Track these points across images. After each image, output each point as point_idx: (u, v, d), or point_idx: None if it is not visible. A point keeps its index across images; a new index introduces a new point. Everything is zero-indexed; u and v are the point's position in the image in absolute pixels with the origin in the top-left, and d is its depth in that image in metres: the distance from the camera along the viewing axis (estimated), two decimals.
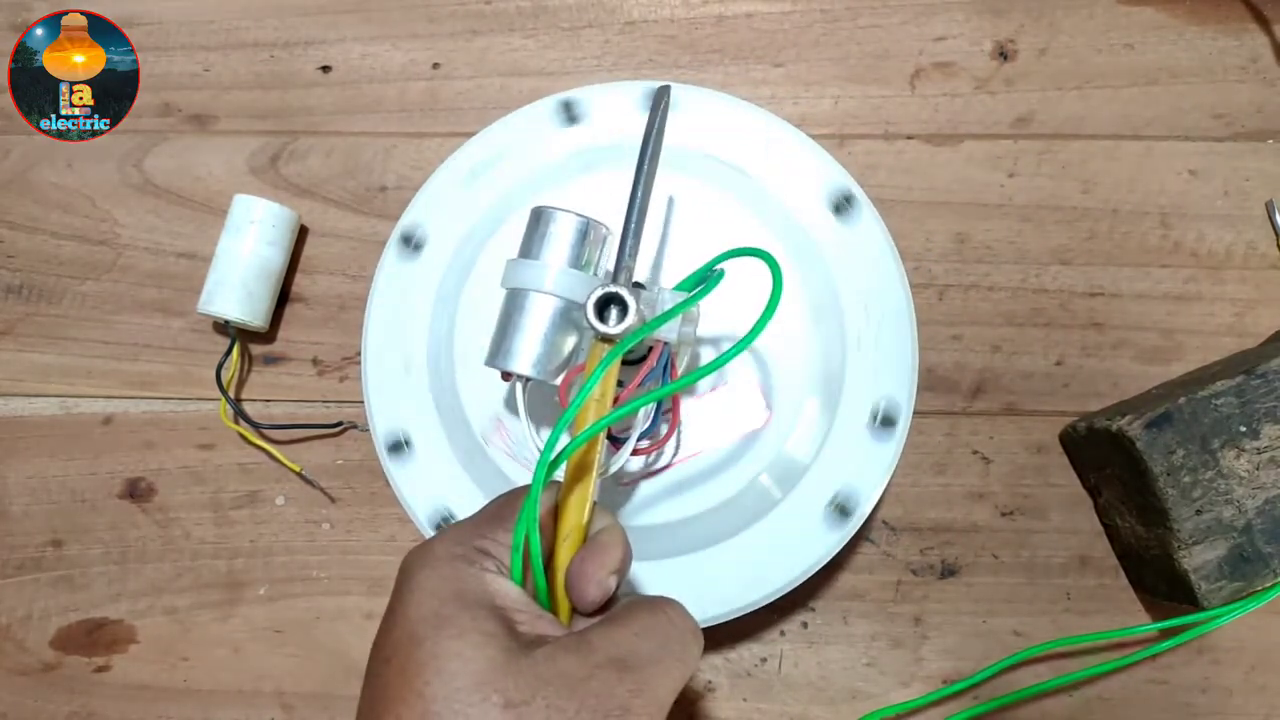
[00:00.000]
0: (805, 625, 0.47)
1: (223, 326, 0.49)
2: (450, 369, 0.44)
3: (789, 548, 0.42)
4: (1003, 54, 0.50)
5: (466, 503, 0.43)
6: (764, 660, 0.47)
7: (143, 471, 0.49)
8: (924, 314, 0.48)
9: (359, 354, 0.49)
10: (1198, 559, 0.41)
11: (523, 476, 0.43)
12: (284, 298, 0.50)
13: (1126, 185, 0.49)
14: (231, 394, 0.48)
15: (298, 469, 0.48)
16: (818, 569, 0.42)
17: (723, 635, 0.47)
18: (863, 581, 0.47)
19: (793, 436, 0.42)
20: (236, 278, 0.47)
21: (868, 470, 0.42)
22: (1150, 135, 0.49)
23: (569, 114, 0.45)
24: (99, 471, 0.49)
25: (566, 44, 0.51)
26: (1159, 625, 0.45)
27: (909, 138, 0.50)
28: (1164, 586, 0.43)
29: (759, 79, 0.50)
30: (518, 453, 0.43)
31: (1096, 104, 0.50)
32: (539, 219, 0.36)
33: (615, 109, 0.45)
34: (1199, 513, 0.41)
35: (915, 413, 0.47)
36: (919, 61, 0.50)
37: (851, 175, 0.45)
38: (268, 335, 0.50)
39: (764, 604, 0.42)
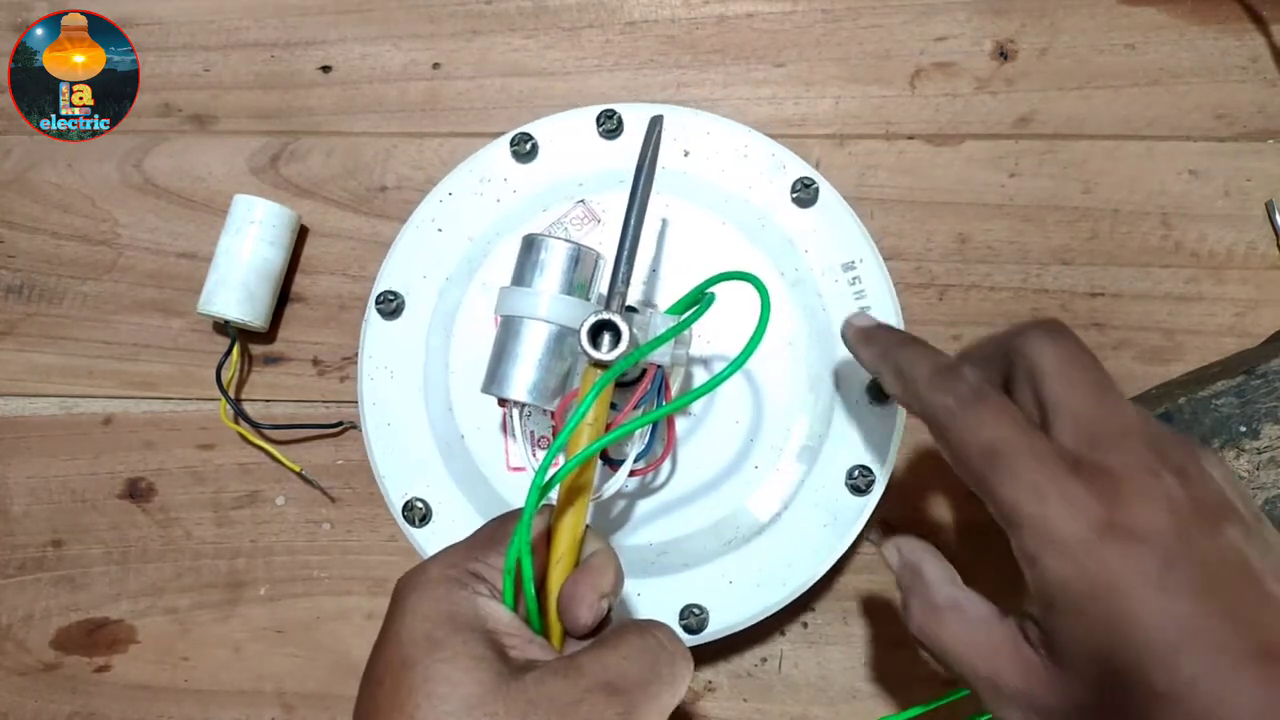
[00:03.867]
0: (805, 625, 0.47)
1: (223, 326, 0.49)
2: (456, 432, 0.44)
3: (784, 565, 0.42)
4: (1003, 54, 0.50)
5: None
6: (764, 660, 0.47)
7: (143, 471, 0.49)
8: (924, 314, 0.48)
9: (359, 356, 0.49)
10: None
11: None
12: (284, 298, 0.50)
13: (1127, 185, 0.49)
14: (232, 394, 0.48)
15: (298, 469, 0.48)
16: (809, 586, 0.42)
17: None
18: (863, 582, 0.47)
19: (783, 457, 0.43)
20: (237, 278, 0.47)
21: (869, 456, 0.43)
22: (1151, 135, 0.49)
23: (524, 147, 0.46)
24: (99, 471, 0.49)
25: (567, 44, 0.51)
26: None
27: (909, 138, 0.50)
28: None
29: (760, 79, 0.50)
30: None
31: (1097, 104, 0.50)
32: (531, 246, 0.36)
33: (569, 140, 0.46)
34: None
35: None
36: (919, 61, 0.50)
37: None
38: (268, 335, 0.50)
39: (761, 619, 0.42)
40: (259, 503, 0.49)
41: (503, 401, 0.36)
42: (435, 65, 0.52)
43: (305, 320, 0.50)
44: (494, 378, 0.36)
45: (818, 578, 0.42)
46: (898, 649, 0.46)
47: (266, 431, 0.48)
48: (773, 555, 0.42)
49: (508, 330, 0.36)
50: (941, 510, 0.47)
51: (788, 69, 0.51)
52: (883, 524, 0.47)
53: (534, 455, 0.42)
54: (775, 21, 0.51)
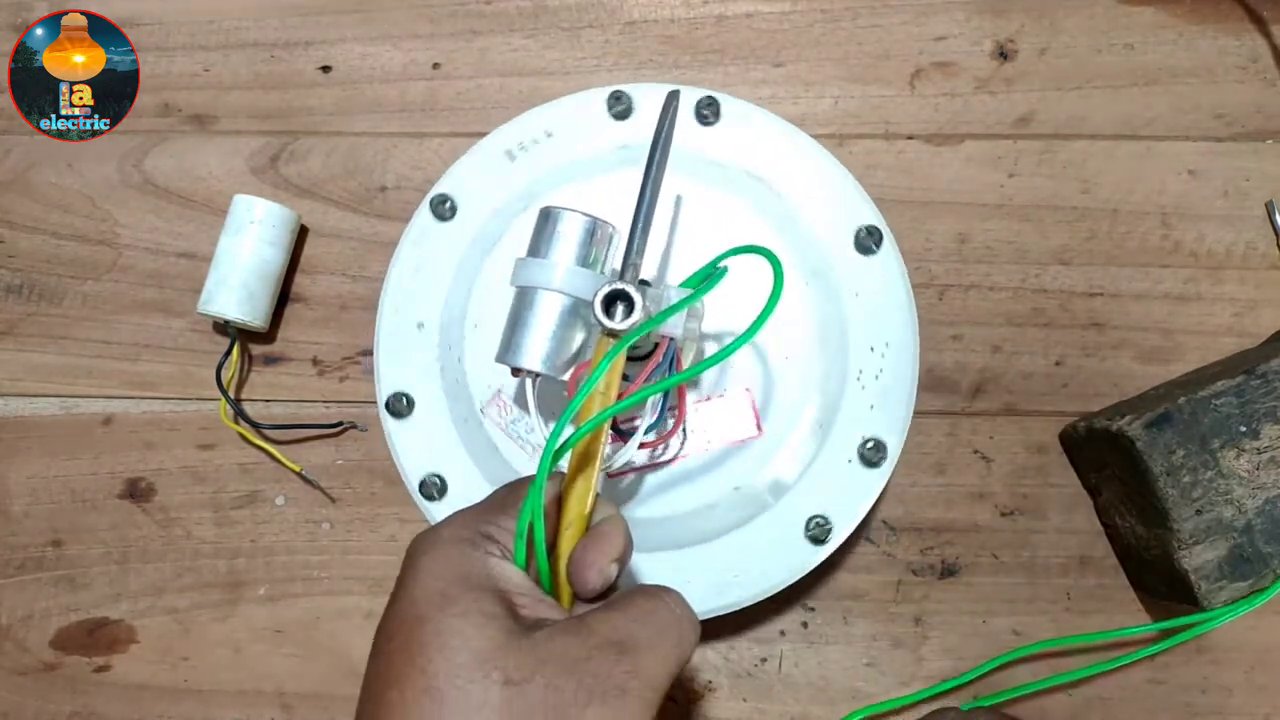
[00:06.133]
0: (805, 625, 0.47)
1: (223, 326, 0.49)
2: (460, 338, 0.44)
3: (771, 554, 0.42)
4: (1003, 54, 0.50)
5: (458, 470, 0.44)
6: (764, 660, 0.47)
7: (143, 471, 0.49)
8: (924, 314, 0.48)
9: (360, 354, 0.49)
10: (1198, 559, 0.41)
11: (514, 452, 0.44)
12: (284, 298, 0.50)
13: (1127, 185, 0.49)
14: (232, 394, 0.48)
15: (298, 469, 0.48)
16: (795, 580, 0.42)
17: (723, 635, 0.47)
18: (863, 581, 0.47)
19: (781, 452, 0.43)
20: (236, 278, 0.47)
21: (848, 499, 0.42)
22: (1150, 135, 0.49)
23: (619, 107, 0.46)
24: (99, 471, 0.49)
25: (566, 44, 0.51)
26: (1159, 625, 0.45)
27: (909, 138, 0.50)
28: (1164, 586, 0.43)
29: (759, 79, 0.50)
30: (510, 428, 0.44)
31: (1097, 104, 0.50)
32: (547, 219, 0.36)
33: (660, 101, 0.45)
34: (1199, 513, 0.41)
35: (916, 413, 0.48)
36: (919, 61, 0.50)
37: (872, 199, 0.45)
38: (268, 335, 0.50)
39: (752, 603, 0.42)
40: (259, 503, 0.49)
41: (516, 371, 0.37)
42: (435, 65, 0.52)
43: (305, 320, 0.50)
44: (508, 347, 0.36)
45: (829, 553, 0.42)
46: (897, 649, 0.46)
47: (266, 431, 0.48)
48: (783, 533, 0.42)
49: (522, 300, 0.36)
50: (940, 510, 0.47)
51: (787, 69, 0.51)
52: (884, 525, 0.47)
53: (546, 427, 0.42)
54: (774, 21, 0.51)
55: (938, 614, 0.47)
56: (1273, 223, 0.48)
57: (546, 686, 0.26)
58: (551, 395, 0.42)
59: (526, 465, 0.43)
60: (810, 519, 0.42)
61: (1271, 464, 0.41)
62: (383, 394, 0.44)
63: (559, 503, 0.32)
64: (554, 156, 0.45)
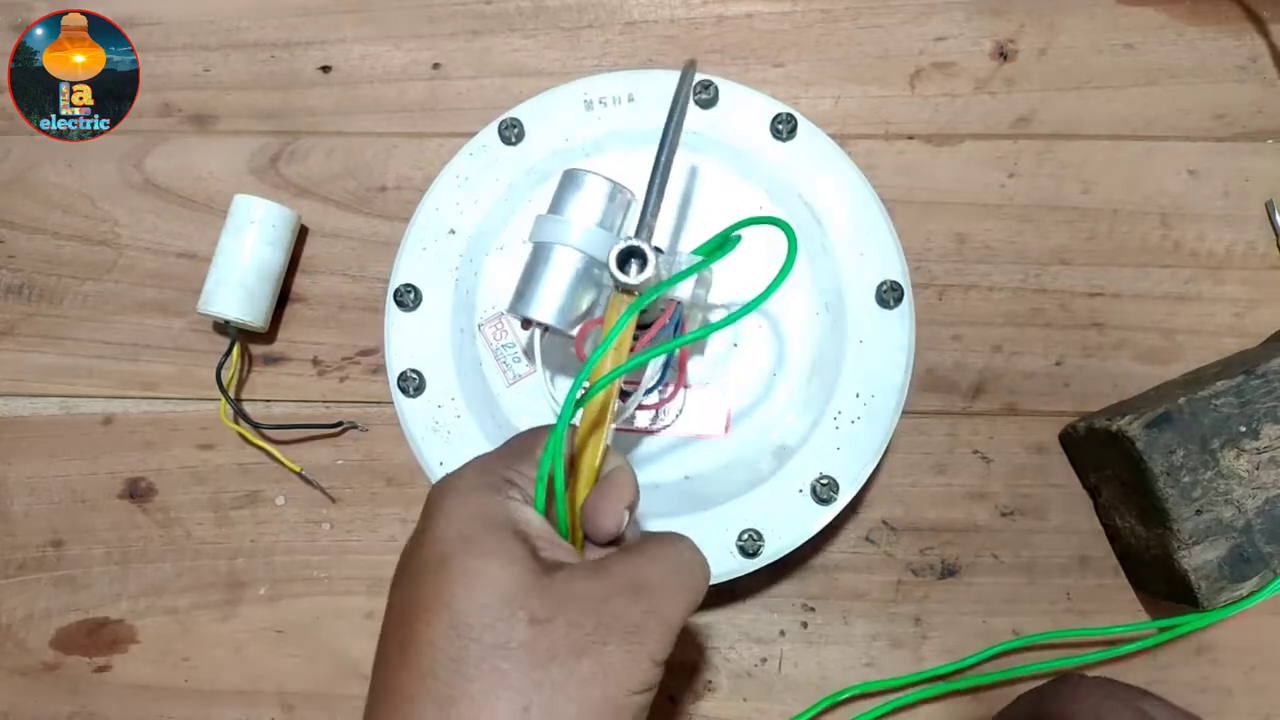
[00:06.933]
0: (805, 625, 0.47)
1: (223, 326, 0.49)
2: (483, 253, 0.45)
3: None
4: (1003, 54, 0.50)
5: (439, 373, 0.45)
6: (764, 660, 0.47)
7: (143, 471, 0.49)
8: (924, 314, 0.48)
9: (359, 354, 0.50)
10: (1198, 559, 0.41)
11: (495, 373, 0.44)
12: (284, 298, 0.50)
13: (1127, 185, 0.49)
14: (232, 394, 0.48)
15: (298, 469, 0.48)
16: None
17: (723, 635, 0.47)
18: (863, 581, 0.47)
19: (739, 460, 0.43)
20: (236, 278, 0.47)
21: (786, 525, 0.43)
22: (1150, 135, 0.49)
23: (704, 95, 0.46)
24: (99, 471, 0.49)
25: (567, 44, 0.51)
26: (1158, 624, 0.45)
27: (909, 138, 0.50)
28: (1164, 586, 0.44)
29: (759, 79, 0.50)
30: (499, 351, 0.44)
31: (1096, 104, 0.50)
32: (569, 180, 0.37)
33: (744, 103, 0.46)
34: (1199, 513, 0.41)
35: (916, 413, 0.48)
36: (919, 61, 0.50)
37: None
38: (268, 335, 0.50)
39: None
40: (259, 503, 0.49)
41: (526, 324, 0.38)
42: (435, 65, 0.52)
43: (305, 320, 0.50)
44: (521, 298, 0.37)
45: (752, 569, 0.42)
46: (897, 649, 0.46)
47: (266, 431, 0.48)
48: (714, 537, 0.43)
49: (538, 255, 0.37)
50: (940, 510, 0.47)
51: (787, 69, 0.51)
52: (884, 525, 0.47)
53: (551, 382, 0.43)
54: (774, 21, 0.51)
55: (938, 614, 0.47)
56: (1273, 223, 0.48)
57: (568, 624, 0.27)
58: (552, 350, 0.43)
59: (504, 388, 0.44)
60: (744, 531, 0.42)
61: (1271, 464, 0.41)
62: (395, 281, 0.45)
63: (572, 453, 0.33)
64: (628, 119, 0.46)
